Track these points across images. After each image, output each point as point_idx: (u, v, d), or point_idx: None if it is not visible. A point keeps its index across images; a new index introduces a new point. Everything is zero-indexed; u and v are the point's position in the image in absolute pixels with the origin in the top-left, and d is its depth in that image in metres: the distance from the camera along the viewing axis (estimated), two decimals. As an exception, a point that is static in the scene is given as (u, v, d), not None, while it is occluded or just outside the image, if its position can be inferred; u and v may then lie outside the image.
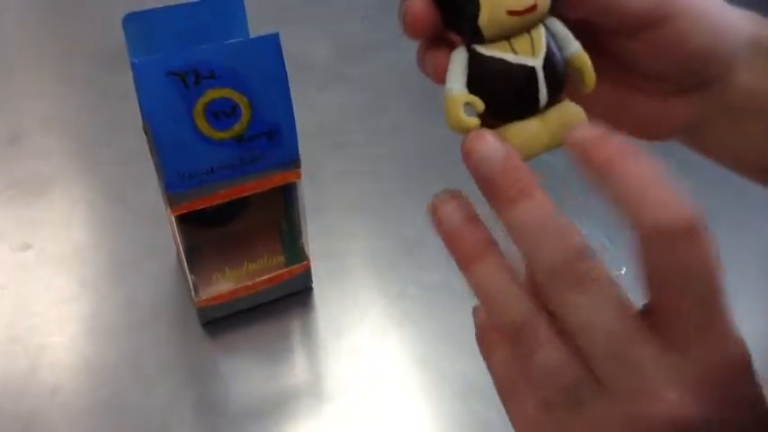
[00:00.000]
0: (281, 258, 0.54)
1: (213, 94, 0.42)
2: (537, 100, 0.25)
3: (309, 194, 0.51)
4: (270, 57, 0.43)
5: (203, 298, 0.51)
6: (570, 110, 0.25)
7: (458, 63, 0.25)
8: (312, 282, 0.56)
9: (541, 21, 0.25)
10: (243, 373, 0.51)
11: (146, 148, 0.51)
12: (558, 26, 0.25)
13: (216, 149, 0.44)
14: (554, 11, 0.25)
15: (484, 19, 0.23)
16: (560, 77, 0.25)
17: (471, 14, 0.23)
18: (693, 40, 0.27)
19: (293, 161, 0.47)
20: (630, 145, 0.22)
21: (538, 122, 0.25)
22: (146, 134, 0.49)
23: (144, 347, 0.53)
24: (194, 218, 0.51)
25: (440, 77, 0.25)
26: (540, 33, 0.25)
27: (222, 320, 0.54)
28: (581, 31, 0.26)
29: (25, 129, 0.72)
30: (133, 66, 0.41)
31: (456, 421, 0.48)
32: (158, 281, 0.58)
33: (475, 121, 0.24)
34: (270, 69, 0.43)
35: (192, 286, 0.51)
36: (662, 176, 0.21)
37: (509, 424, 0.26)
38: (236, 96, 0.43)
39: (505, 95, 0.25)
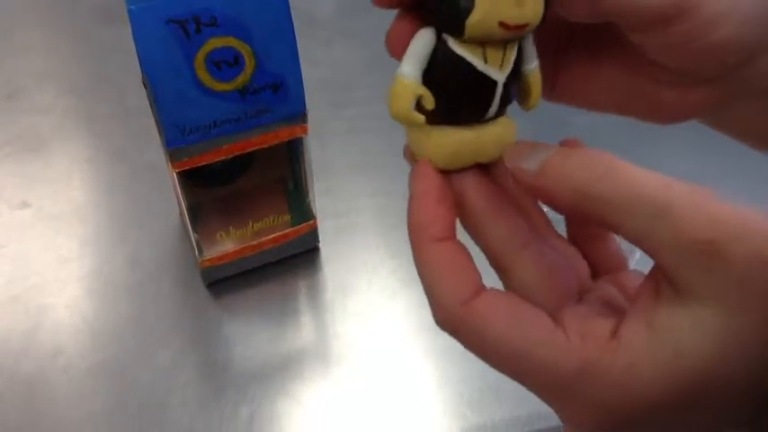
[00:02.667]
0: (287, 217, 0.52)
1: (215, 42, 0.40)
2: (486, 112, 0.24)
3: (315, 152, 0.49)
4: (275, 3, 0.40)
5: (207, 258, 0.50)
6: (507, 129, 0.25)
7: (421, 47, 0.23)
8: (319, 241, 0.54)
9: (522, 38, 0.24)
10: (248, 334, 0.50)
11: (146, 102, 0.49)
12: (528, 41, 0.24)
13: (218, 102, 0.42)
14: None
15: (474, 19, 0.22)
16: (513, 93, 0.24)
17: (463, 9, 0.22)
18: (717, 33, 0.25)
19: (300, 115, 0.45)
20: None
21: (472, 135, 0.24)
22: (145, 87, 0.46)
23: (147, 308, 0.51)
24: (197, 176, 0.49)
25: (397, 52, 0.24)
26: (514, 50, 0.23)
27: (227, 281, 0.52)
28: (591, 27, 0.25)
29: (21, 84, 0.70)
30: (130, 13, 0.39)
31: (464, 384, 0.47)
32: (161, 240, 0.56)
33: (419, 118, 0.23)
34: (275, 17, 0.41)
35: (195, 246, 0.49)
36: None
37: (518, 387, 0.25)
38: (239, 45, 0.41)
39: (459, 99, 0.24)
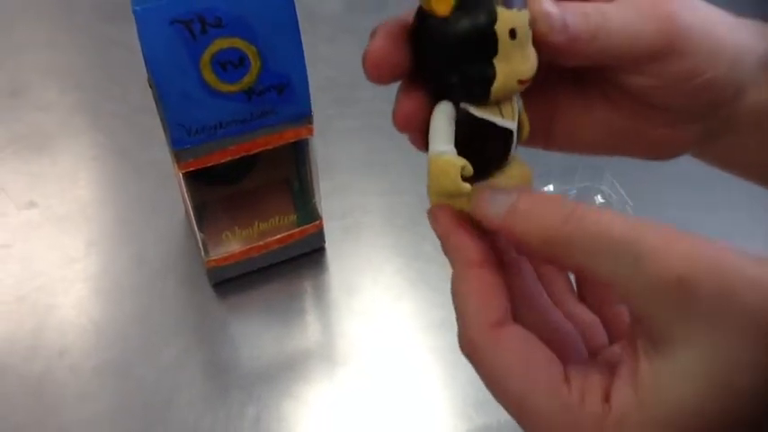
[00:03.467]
0: (293, 218, 0.52)
1: (221, 43, 0.40)
2: (507, 160, 0.25)
3: (320, 151, 0.49)
4: (280, 3, 0.40)
5: (213, 258, 0.50)
6: (525, 168, 0.26)
7: (446, 122, 0.24)
8: (325, 241, 0.54)
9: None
10: (254, 334, 0.50)
11: (151, 101, 0.49)
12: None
13: (224, 103, 0.42)
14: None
15: (498, 85, 0.23)
16: (520, 136, 0.26)
17: (487, 78, 0.23)
18: (708, 73, 0.25)
19: (305, 116, 0.45)
20: None
21: (503, 178, 0.25)
22: (150, 87, 0.46)
23: (152, 308, 0.51)
24: (202, 176, 0.49)
25: (410, 128, 0.25)
26: (517, 99, 0.25)
27: (233, 281, 0.52)
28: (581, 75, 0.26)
29: (26, 82, 0.70)
30: (135, 14, 0.39)
31: (473, 386, 0.47)
32: (166, 239, 0.56)
33: (468, 188, 0.24)
34: (280, 17, 0.41)
35: (201, 246, 0.49)
36: None
37: None
38: (244, 46, 0.41)
39: (488, 155, 0.25)
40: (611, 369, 0.23)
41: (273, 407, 0.46)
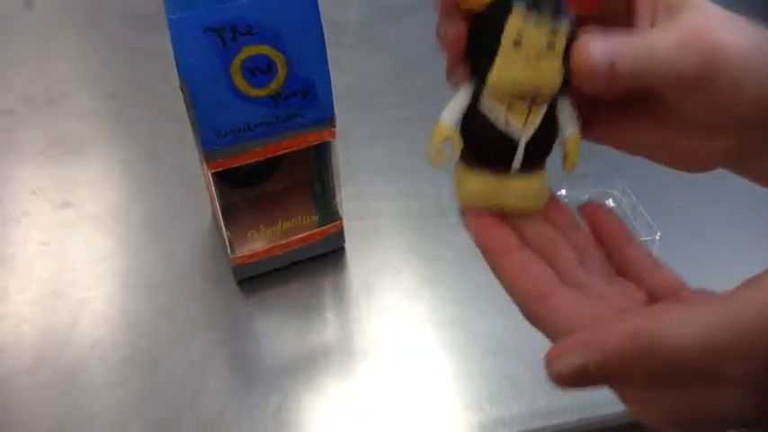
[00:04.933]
0: (315, 218, 0.54)
1: (250, 50, 0.43)
2: (509, 166, 0.27)
3: (341, 156, 0.52)
4: (306, 13, 0.43)
5: (239, 255, 0.52)
6: (532, 187, 0.27)
7: (458, 101, 0.27)
8: (345, 242, 0.56)
9: (546, 100, 0.26)
10: (276, 329, 0.52)
11: (179, 108, 0.51)
12: (566, 109, 0.27)
13: (252, 107, 0.44)
14: (566, 93, 0.26)
15: (493, 80, 0.25)
16: (542, 153, 0.27)
17: (486, 70, 0.25)
18: (747, 94, 0.26)
19: (328, 119, 0.47)
20: None
21: (497, 182, 0.27)
22: (182, 92, 0.49)
23: (180, 303, 0.54)
24: (229, 178, 0.52)
25: (450, 47, 0.27)
26: (540, 111, 0.26)
27: (256, 278, 0.54)
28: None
29: (62, 90, 0.73)
30: (170, 22, 0.41)
31: (486, 379, 0.48)
32: (193, 239, 0.59)
33: (445, 156, 0.27)
34: (306, 26, 0.43)
35: (228, 244, 0.51)
36: None
37: (536, 381, 0.27)
38: (272, 53, 0.43)
39: (484, 149, 0.27)
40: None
41: (295, 397, 0.48)
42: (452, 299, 0.53)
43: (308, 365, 0.50)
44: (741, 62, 0.25)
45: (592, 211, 0.30)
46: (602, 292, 0.27)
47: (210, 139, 0.45)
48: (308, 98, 0.45)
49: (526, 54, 0.25)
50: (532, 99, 0.26)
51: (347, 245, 0.57)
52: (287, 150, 0.47)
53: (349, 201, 0.56)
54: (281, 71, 0.44)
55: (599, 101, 0.29)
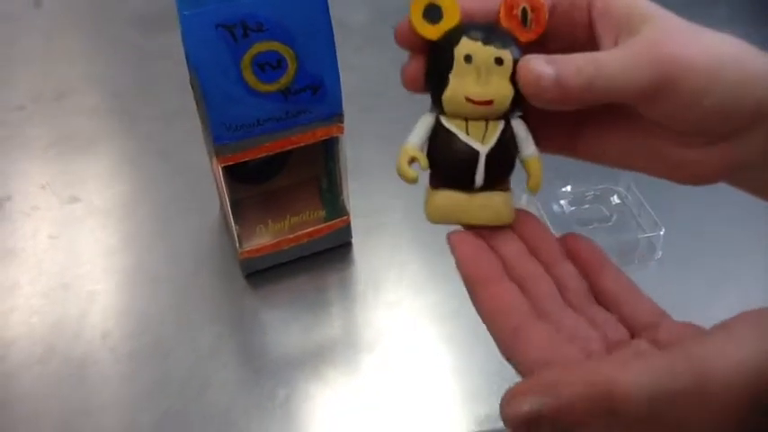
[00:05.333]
0: (322, 213, 0.55)
1: (261, 47, 0.43)
2: (472, 180, 0.28)
3: (348, 154, 0.52)
4: (316, 9, 0.43)
5: (246, 249, 0.53)
6: (496, 200, 0.29)
7: (422, 124, 0.29)
8: (352, 237, 0.57)
9: (501, 116, 0.28)
10: (283, 323, 0.53)
11: (185, 105, 0.52)
12: (520, 128, 0.29)
13: (262, 102, 0.45)
14: (518, 112, 0.29)
15: (447, 96, 0.28)
16: (503, 169, 0.29)
17: (441, 88, 0.28)
18: (703, 103, 0.26)
19: (337, 115, 0.48)
20: None
21: (463, 198, 0.29)
22: (192, 88, 0.50)
23: (188, 297, 0.54)
24: (237, 175, 0.52)
25: (409, 81, 0.29)
26: (497, 127, 0.28)
27: (264, 272, 0.55)
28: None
29: (69, 87, 0.74)
30: (183, 18, 0.42)
31: (491, 373, 0.49)
32: (200, 234, 0.60)
33: (413, 173, 0.29)
34: (316, 22, 0.44)
35: (236, 238, 0.52)
36: None
37: None
38: (282, 49, 0.44)
39: (447, 165, 0.29)
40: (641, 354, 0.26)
41: (302, 389, 0.48)
42: (458, 293, 0.53)
43: (315, 358, 0.50)
44: (699, 71, 0.26)
45: (572, 242, 0.31)
46: (576, 328, 0.28)
47: (221, 133, 0.45)
48: (317, 93, 0.46)
49: (476, 68, 0.27)
50: (487, 114, 0.28)
51: (353, 240, 0.57)
52: (296, 145, 0.48)
53: (355, 197, 0.56)
54: (291, 67, 0.45)
55: (576, 118, 0.30)
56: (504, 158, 0.29)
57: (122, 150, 0.68)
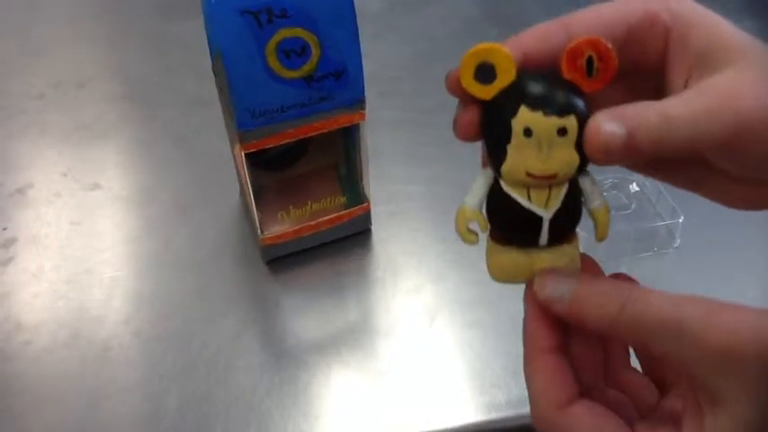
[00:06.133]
0: (343, 200, 0.55)
1: (285, 33, 0.43)
2: (536, 241, 0.27)
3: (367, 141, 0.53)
4: (340, -4, 0.44)
5: (268, 236, 0.53)
6: (563, 259, 0.28)
7: (479, 184, 0.28)
8: (371, 223, 0.57)
9: (564, 182, 0.27)
10: (304, 308, 0.53)
11: (205, 93, 0.52)
12: (587, 184, 0.27)
13: (286, 88, 0.45)
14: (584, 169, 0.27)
15: (505, 169, 0.26)
16: (568, 227, 0.27)
17: (499, 159, 0.26)
18: None
19: (359, 101, 0.48)
20: None
21: (526, 257, 0.28)
22: (215, 74, 0.50)
23: (210, 282, 0.55)
24: (257, 161, 0.53)
25: (459, 133, 0.27)
26: (561, 191, 0.27)
27: (284, 259, 0.56)
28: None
29: (90, 75, 0.75)
30: (208, 4, 0.42)
31: (510, 358, 0.49)
32: (220, 220, 0.60)
33: (472, 237, 0.28)
34: (339, 9, 0.44)
35: (258, 224, 0.53)
36: None
37: None
38: (306, 36, 0.44)
39: (509, 228, 0.27)
40: (674, 422, 0.26)
41: (323, 374, 0.49)
42: (477, 280, 0.54)
43: (336, 343, 0.51)
44: None
45: None
46: (616, 400, 0.28)
47: (245, 119, 0.46)
48: (340, 80, 0.46)
49: (538, 143, 0.25)
50: (549, 183, 0.27)
51: (373, 227, 0.58)
52: (318, 132, 0.48)
53: (374, 184, 0.57)
54: (315, 53, 0.45)
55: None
56: (568, 219, 0.27)
57: (142, 137, 0.68)
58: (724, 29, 0.26)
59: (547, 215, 0.27)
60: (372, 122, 0.56)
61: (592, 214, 0.28)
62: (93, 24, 0.82)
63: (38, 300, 0.54)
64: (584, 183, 0.27)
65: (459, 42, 0.77)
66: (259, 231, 0.53)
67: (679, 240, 0.55)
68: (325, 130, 0.48)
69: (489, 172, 0.27)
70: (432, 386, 0.48)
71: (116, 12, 0.84)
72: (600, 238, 0.28)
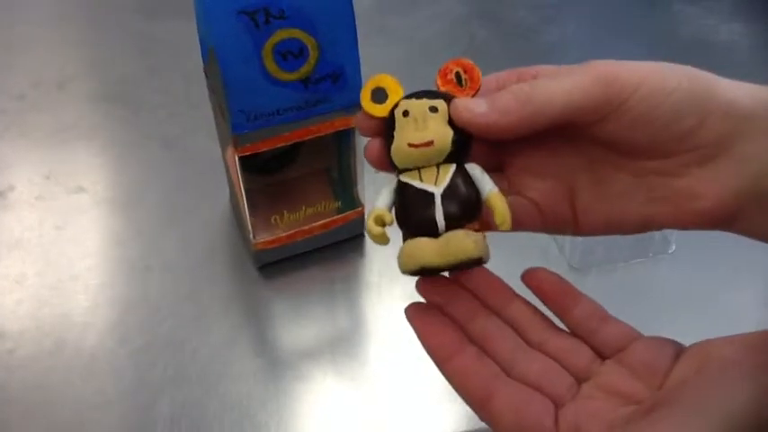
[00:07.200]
0: (336, 204, 0.54)
1: (282, 34, 0.42)
2: (435, 222, 0.29)
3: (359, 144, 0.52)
4: (338, -3, 0.43)
5: (260, 241, 0.52)
6: (459, 235, 0.28)
7: (386, 189, 0.31)
8: (364, 228, 0.56)
9: (451, 160, 0.30)
10: (298, 315, 0.52)
11: (191, 93, 0.51)
12: (476, 171, 0.30)
13: (282, 91, 0.44)
14: (468, 156, 0.30)
15: (393, 149, 0.30)
16: (462, 207, 0.29)
17: (389, 146, 0.30)
18: (657, 113, 0.27)
19: (356, 104, 0.47)
20: None
21: (432, 242, 0.29)
22: (206, 75, 0.49)
23: (200, 288, 0.54)
24: (247, 165, 0.52)
25: (371, 159, 0.31)
26: (449, 170, 0.30)
27: (276, 264, 0.55)
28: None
29: (72, 75, 0.73)
30: (204, 4, 0.41)
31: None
32: (210, 224, 0.59)
33: (379, 230, 0.30)
34: (338, 10, 0.43)
35: (250, 229, 0.51)
36: None
37: None
38: (304, 37, 0.43)
39: (409, 214, 0.30)
40: (615, 394, 0.28)
41: (317, 381, 0.48)
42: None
43: (331, 350, 0.50)
44: (635, 86, 0.27)
45: (534, 277, 0.32)
46: (544, 372, 0.29)
47: (240, 122, 0.44)
48: (337, 83, 0.45)
49: (414, 119, 0.29)
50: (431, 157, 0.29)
51: (366, 232, 0.57)
52: (314, 135, 0.47)
53: (367, 188, 0.56)
54: (312, 55, 0.44)
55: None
56: (460, 197, 0.29)
57: (127, 139, 0.66)
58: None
59: (437, 190, 0.29)
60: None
61: (487, 201, 0.29)
62: (76, 23, 0.80)
63: (21, 307, 0.52)
64: (473, 169, 0.30)
65: (448, 44, 0.77)
66: (251, 236, 0.52)
67: (674, 246, 0.55)
68: (321, 134, 0.48)
69: (393, 178, 0.31)
70: (428, 394, 0.48)
71: (98, 10, 0.82)
72: (500, 221, 0.29)
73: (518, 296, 0.32)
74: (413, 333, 0.51)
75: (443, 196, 0.29)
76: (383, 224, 0.30)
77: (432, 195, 0.29)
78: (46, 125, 0.67)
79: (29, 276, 0.54)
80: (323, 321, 0.52)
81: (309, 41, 0.43)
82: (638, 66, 0.28)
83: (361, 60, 0.46)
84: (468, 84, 0.30)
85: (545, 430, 0.27)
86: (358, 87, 0.47)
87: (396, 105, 0.30)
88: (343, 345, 0.51)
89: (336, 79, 0.45)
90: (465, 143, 0.30)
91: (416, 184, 0.29)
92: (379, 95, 0.31)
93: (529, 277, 0.32)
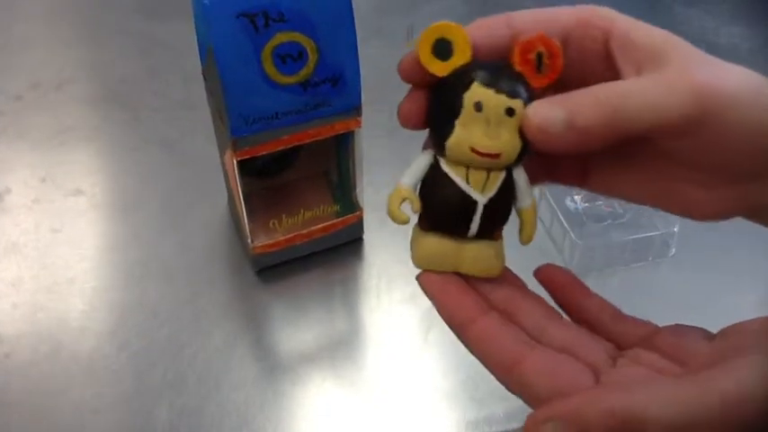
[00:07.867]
0: (335, 208, 0.54)
1: (282, 37, 0.42)
2: (467, 228, 0.27)
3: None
4: (338, 0, 0.43)
5: (259, 245, 0.52)
6: (488, 252, 0.27)
7: (418, 164, 0.28)
8: (363, 232, 0.56)
9: (505, 167, 0.27)
10: (297, 319, 0.52)
11: (190, 96, 0.51)
12: (521, 179, 0.27)
13: (282, 94, 0.44)
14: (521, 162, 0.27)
15: (451, 142, 0.26)
16: (500, 220, 0.27)
17: (445, 133, 0.26)
18: (743, 134, 0.24)
19: (355, 108, 0.47)
20: None
21: (453, 246, 0.27)
22: (205, 78, 0.49)
23: (198, 292, 0.53)
24: (246, 168, 0.51)
25: (404, 120, 0.28)
26: (498, 177, 0.27)
27: (275, 268, 0.54)
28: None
29: (70, 77, 0.72)
30: (204, 6, 0.41)
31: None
32: (208, 227, 0.58)
33: (404, 216, 0.28)
34: (337, 13, 0.43)
35: (249, 233, 0.51)
36: None
37: None
38: (303, 41, 0.43)
39: (442, 211, 0.27)
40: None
41: (316, 386, 0.48)
42: (472, 290, 0.53)
43: (330, 354, 0.50)
44: (739, 104, 0.24)
45: (546, 273, 0.30)
46: (575, 341, 0.27)
47: (239, 126, 0.44)
48: (336, 86, 0.45)
49: (486, 118, 0.26)
50: (490, 166, 0.27)
51: (365, 235, 0.57)
52: (313, 139, 0.47)
53: (365, 192, 0.56)
54: (312, 59, 0.44)
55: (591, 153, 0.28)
56: (501, 210, 0.27)
57: (125, 141, 0.66)
58: (656, 30, 0.26)
59: (482, 200, 0.27)
60: (364, 128, 0.55)
61: (520, 213, 0.28)
62: (74, 24, 0.80)
63: (17, 311, 0.52)
64: (519, 176, 0.27)
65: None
66: (249, 240, 0.52)
67: (674, 250, 0.55)
68: (321, 137, 0.47)
69: (429, 154, 0.27)
70: (428, 399, 0.47)
71: (97, 11, 0.81)
72: (526, 239, 0.28)
73: (529, 290, 0.30)
74: (412, 336, 0.51)
75: (486, 206, 0.27)
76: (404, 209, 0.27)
77: (475, 204, 0.27)
78: (44, 127, 0.67)
79: (25, 280, 0.54)
80: (322, 325, 0.52)
81: (309, 44, 0.43)
82: (734, 73, 0.25)
83: (360, 63, 0.46)
84: (548, 71, 0.26)
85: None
86: (357, 91, 0.47)
87: (461, 71, 0.26)
88: (342, 348, 0.50)
89: (336, 82, 0.45)
90: (527, 153, 0.27)
91: (461, 184, 0.27)
92: (442, 49, 0.26)
93: (541, 272, 0.30)
